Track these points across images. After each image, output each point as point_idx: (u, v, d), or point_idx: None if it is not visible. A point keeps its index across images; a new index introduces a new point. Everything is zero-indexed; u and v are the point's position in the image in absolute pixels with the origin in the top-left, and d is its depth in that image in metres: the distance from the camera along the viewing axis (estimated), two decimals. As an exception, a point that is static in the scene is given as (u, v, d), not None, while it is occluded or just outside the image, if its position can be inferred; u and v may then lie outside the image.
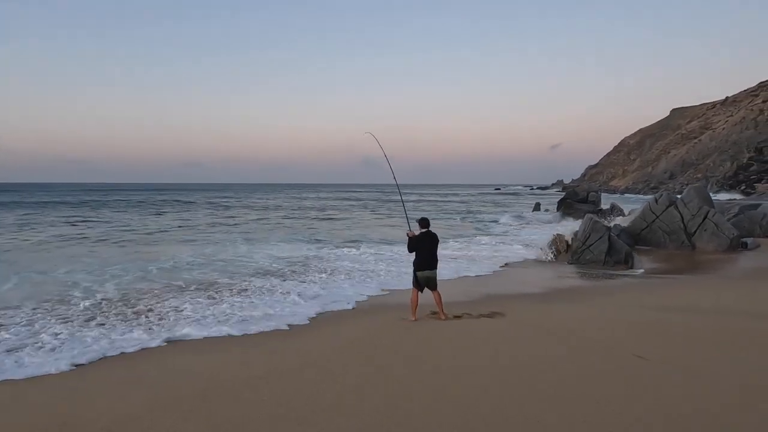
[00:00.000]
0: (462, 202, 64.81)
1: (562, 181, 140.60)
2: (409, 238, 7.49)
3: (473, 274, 12.72)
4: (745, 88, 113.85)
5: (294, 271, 12.84)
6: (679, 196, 18.14)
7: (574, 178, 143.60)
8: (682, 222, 16.85)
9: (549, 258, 15.81)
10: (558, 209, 37.82)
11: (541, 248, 16.76)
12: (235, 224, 28.97)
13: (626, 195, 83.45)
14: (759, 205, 23.75)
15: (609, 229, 15.96)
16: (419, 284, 7.46)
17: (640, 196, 77.86)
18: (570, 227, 18.90)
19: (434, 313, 7.57)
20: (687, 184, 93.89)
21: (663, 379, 4.73)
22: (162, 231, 24.60)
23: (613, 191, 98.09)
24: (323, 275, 12.22)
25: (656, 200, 17.88)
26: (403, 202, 8.46)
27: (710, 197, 17.64)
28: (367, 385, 4.77)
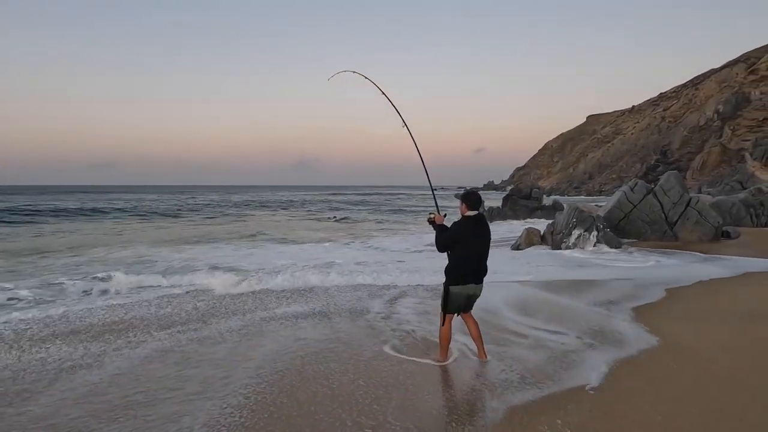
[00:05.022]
0: (411, 201, 62.66)
1: (492, 182, 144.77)
2: (439, 227, 4.33)
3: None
4: (648, 98, 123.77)
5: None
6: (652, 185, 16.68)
7: (504, 179, 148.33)
8: (663, 211, 15.28)
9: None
10: (503, 206, 37.20)
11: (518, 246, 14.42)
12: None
13: (552, 195, 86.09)
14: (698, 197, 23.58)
15: (594, 219, 13.95)
16: (455, 307, 4.30)
17: (566, 197, 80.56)
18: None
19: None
20: (605, 184, 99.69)
21: None
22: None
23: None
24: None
25: (632, 189, 16.21)
26: (429, 178, 5.04)
27: (685, 185, 16.40)
28: None
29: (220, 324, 5.96)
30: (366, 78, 5.40)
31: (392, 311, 6.59)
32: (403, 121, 5.09)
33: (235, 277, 8.76)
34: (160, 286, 8.37)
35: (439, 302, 4.38)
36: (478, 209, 4.28)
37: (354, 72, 5.54)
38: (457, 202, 4.37)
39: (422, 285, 8.40)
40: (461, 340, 4.93)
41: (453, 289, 4.22)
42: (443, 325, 4.35)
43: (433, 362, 4.43)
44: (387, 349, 4.87)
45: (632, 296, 7.54)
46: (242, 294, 7.75)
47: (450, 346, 4.51)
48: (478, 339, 4.43)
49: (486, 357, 4.43)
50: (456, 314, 4.36)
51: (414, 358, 4.58)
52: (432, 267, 9.49)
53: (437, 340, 4.55)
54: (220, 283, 8.17)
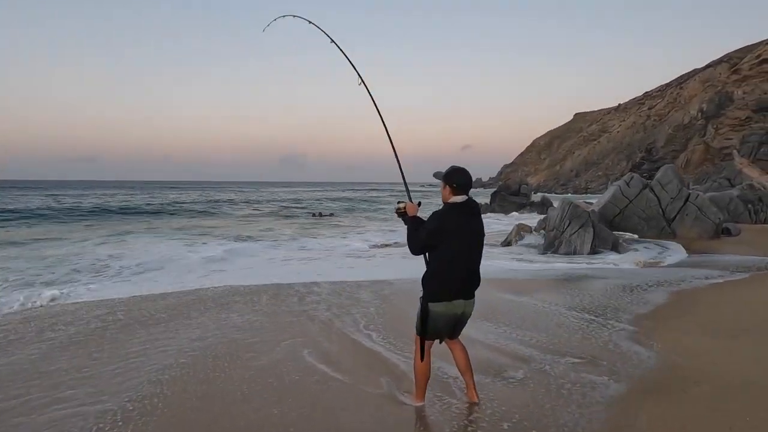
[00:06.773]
0: (397, 195, 61.49)
1: (480, 179, 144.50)
2: (412, 221, 3.08)
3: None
4: (633, 97, 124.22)
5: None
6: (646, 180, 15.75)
7: (492, 176, 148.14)
8: (660, 206, 14.35)
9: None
10: (492, 202, 36.58)
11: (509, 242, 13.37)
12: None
13: (539, 192, 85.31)
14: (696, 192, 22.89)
15: (589, 215, 12.94)
16: (436, 331, 3.06)
17: (553, 194, 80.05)
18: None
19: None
20: (591, 181, 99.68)
21: None
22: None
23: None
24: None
25: (627, 183, 15.28)
26: (393, 144, 3.63)
27: (683, 180, 15.52)
28: None
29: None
30: (311, 23, 4.18)
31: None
32: (360, 77, 3.88)
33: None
34: None
35: (414, 324, 3.13)
36: (467, 193, 3.00)
37: (295, 16, 4.31)
38: (439, 187, 3.05)
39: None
40: (442, 366, 3.78)
41: (434, 307, 2.97)
42: (420, 355, 3.10)
43: (411, 403, 3.26)
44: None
45: (642, 302, 6.49)
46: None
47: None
48: (467, 372, 3.23)
49: (477, 397, 3.25)
50: (438, 341, 3.16)
51: (339, 377, 3.42)
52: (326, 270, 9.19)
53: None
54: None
